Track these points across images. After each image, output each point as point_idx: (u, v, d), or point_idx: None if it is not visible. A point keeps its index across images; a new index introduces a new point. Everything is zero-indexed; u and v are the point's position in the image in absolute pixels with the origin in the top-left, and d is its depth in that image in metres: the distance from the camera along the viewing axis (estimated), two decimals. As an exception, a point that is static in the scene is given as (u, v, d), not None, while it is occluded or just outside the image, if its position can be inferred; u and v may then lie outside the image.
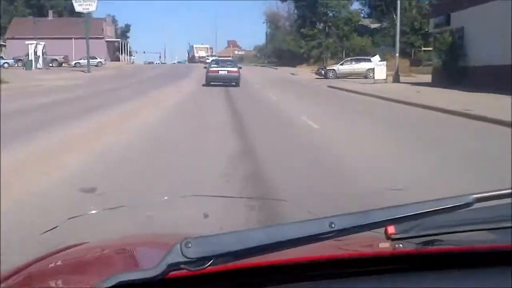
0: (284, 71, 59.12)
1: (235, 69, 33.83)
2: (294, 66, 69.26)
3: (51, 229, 2.84)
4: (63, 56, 72.62)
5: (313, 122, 14.12)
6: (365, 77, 44.02)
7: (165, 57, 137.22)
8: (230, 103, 21.59)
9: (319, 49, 69.09)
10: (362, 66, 45.63)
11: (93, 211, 4.98)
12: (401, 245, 1.32)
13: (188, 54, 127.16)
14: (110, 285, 1.02)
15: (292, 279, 1.22)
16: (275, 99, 24.23)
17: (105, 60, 76.02)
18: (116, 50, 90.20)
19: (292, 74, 54.12)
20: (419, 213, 1.18)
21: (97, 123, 14.20)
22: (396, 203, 1.23)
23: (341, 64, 47.07)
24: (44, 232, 3.30)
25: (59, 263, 1.77)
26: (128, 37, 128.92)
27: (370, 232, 1.25)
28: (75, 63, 71.47)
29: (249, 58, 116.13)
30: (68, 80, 38.90)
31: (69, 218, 2.52)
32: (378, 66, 35.98)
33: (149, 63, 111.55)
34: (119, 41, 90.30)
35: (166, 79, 42.41)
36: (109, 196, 6.25)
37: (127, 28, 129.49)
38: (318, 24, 71.34)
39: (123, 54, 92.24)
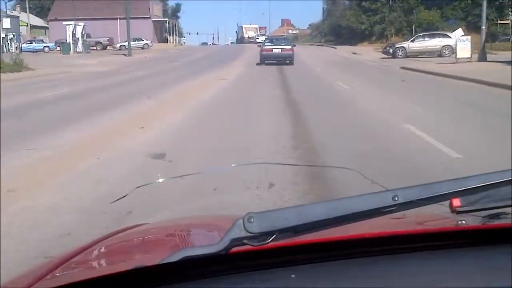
0: (344, 50, 52.87)
1: (289, 47, 33.42)
2: (354, 44, 62.89)
3: (120, 198, 2.42)
4: (107, 38, 68.08)
5: (435, 139, 8.26)
6: (440, 55, 37.99)
7: (218, 38, 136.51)
8: (291, 99, 15.36)
9: (382, 25, 62.32)
10: (437, 42, 39.14)
11: (161, 180, 4.89)
12: (465, 220, 1.29)
13: (237, 35, 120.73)
14: (175, 260, 1.03)
15: (355, 254, 1.20)
16: (346, 88, 18.51)
17: (151, 42, 71.10)
18: (164, 31, 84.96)
19: (354, 53, 47.90)
20: (485, 185, 1.16)
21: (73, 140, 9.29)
22: None
23: (412, 41, 40.45)
24: (113, 202, 3.24)
25: (123, 242, 1.80)
26: (178, 17, 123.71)
27: (434, 205, 1.22)
28: (120, 46, 66.88)
29: (304, 37, 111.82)
30: (102, 66, 34.90)
31: (137, 187, 1.93)
32: (461, 42, 29.73)
33: (203, 44, 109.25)
34: (166, 20, 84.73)
35: (212, 62, 37.56)
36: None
37: (177, 7, 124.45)
38: (380, -3, 64.46)
39: (172, 35, 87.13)
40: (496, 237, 1.26)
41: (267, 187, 5.43)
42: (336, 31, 79.43)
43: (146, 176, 5.76)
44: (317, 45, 74.12)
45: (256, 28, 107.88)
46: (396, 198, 1.09)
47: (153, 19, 79.71)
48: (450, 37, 38.48)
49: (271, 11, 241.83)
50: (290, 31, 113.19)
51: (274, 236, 1.05)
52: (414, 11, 59.40)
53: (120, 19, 73.98)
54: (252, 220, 1.03)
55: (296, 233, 1.09)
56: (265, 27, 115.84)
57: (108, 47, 66.74)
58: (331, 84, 19.93)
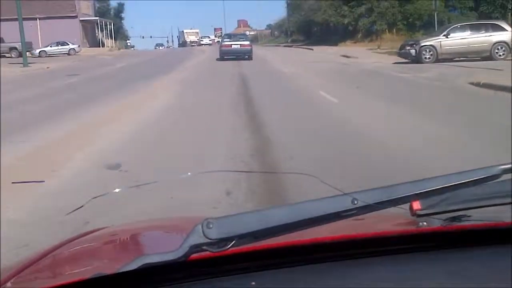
0: (328, 52, 37.97)
1: (247, 42, 34.70)
2: (333, 44, 47.97)
3: (76, 209, 2.47)
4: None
5: None
6: (490, 57, 24.33)
7: (172, 41, 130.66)
8: None
9: (369, 18, 47.56)
10: (484, 38, 24.70)
11: (117, 190, 4.98)
12: (426, 222, 1.27)
13: (179, 40, 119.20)
14: (133, 268, 1.01)
15: (315, 259, 1.18)
16: None
17: (79, 46, 55.31)
18: (96, 33, 68.59)
19: (347, 57, 33.04)
20: (445, 187, 1.14)
21: None
22: None
23: (445, 36, 25.50)
24: (69, 213, 3.30)
25: (81, 248, 1.75)
26: (122, 18, 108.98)
27: (394, 208, 1.18)
28: (39, 52, 51.77)
29: (265, 37, 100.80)
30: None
31: (93, 198, 1.88)
32: None
33: (158, 45, 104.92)
34: (97, 20, 68.16)
35: (131, 78, 22.49)
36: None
37: (120, 7, 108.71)
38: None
39: (110, 37, 71.21)
40: (458, 239, 1.24)
41: (224, 195, 5.43)
42: (305, 29, 64.64)
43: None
44: (284, 46, 59.24)
45: (197, 32, 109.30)
46: (355, 202, 1.07)
47: (81, 19, 63.29)
48: (505, 29, 24.07)
49: (226, 11, 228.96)
50: (247, 32, 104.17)
51: (233, 242, 1.02)
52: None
53: (40, 19, 58.06)
54: (211, 225, 1.01)
55: (255, 238, 1.06)
56: (221, 28, 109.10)
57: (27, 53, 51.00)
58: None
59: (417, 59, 24.82)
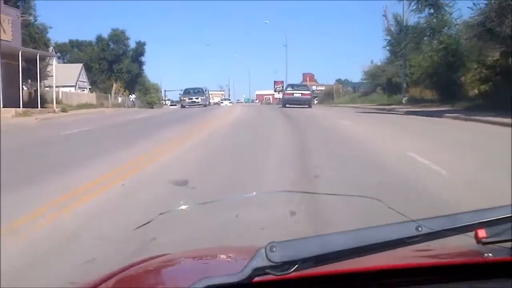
0: None
1: (308, 91, 43.50)
2: None
3: (144, 225, 2.72)
4: None
5: None
6: None
7: (229, 94, 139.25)
8: None
9: None
10: None
11: (183, 207, 5.25)
12: (491, 253, 1.35)
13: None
14: None
15: (378, 286, 1.28)
16: None
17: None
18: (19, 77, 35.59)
19: None
20: (510, 216, 1.19)
21: None
22: None
23: None
24: (137, 228, 3.43)
25: (144, 272, 1.94)
26: (143, 63, 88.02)
27: (459, 236, 1.24)
28: None
29: (344, 94, 79.39)
30: None
31: (160, 214, 2.21)
32: None
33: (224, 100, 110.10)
34: (20, 50, 34.35)
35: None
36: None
37: (139, 48, 78.78)
38: None
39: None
40: None
41: (288, 216, 5.66)
42: (444, 80, 31.30)
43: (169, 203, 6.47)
44: (404, 114, 26.58)
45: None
46: (420, 229, 1.10)
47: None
48: None
49: (290, 64, 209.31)
50: (314, 87, 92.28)
51: (296, 265, 1.09)
52: None
53: None
54: (274, 249, 1.07)
55: (318, 262, 1.12)
56: (282, 81, 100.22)
57: None
58: None
59: None
